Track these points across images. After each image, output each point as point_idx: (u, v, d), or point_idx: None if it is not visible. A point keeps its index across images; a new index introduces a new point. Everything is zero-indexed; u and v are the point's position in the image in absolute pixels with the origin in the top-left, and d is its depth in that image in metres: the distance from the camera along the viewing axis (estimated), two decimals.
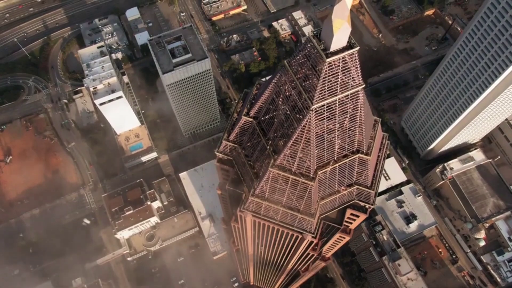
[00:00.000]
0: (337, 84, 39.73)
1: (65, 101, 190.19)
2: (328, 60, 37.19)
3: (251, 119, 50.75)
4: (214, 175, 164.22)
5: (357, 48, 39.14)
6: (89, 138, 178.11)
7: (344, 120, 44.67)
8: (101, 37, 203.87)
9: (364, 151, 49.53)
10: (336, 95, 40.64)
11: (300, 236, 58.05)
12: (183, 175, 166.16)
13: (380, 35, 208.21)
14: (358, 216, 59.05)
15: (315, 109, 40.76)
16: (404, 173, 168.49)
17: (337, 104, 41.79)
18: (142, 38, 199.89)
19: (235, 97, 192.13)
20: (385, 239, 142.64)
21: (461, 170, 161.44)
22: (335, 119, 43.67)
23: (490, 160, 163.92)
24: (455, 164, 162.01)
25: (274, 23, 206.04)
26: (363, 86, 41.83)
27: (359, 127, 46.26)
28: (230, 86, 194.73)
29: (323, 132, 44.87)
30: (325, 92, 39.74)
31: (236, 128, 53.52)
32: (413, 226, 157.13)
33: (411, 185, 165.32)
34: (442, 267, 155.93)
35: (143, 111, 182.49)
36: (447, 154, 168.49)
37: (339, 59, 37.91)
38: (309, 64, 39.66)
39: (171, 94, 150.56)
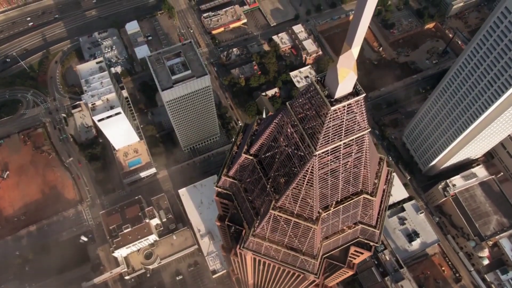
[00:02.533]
0: (342, 129, 38.12)
1: (64, 115, 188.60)
2: (333, 108, 35.64)
3: (251, 157, 49.10)
4: (213, 191, 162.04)
5: (363, 95, 37.53)
6: (87, 153, 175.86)
7: (349, 162, 42.98)
8: (100, 51, 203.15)
9: (369, 192, 47.79)
10: (341, 140, 39.02)
11: (302, 275, 56.03)
12: (182, 191, 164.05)
13: (381, 48, 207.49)
14: (362, 253, 57.10)
15: (319, 154, 39.13)
16: (406, 189, 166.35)
17: (341, 148, 40.15)
18: (141, 51, 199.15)
19: (235, 113, 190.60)
20: (388, 259, 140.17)
21: (464, 187, 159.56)
22: (339, 162, 41.99)
23: (492, 176, 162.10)
24: (457, 181, 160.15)
25: (274, 37, 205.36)
26: (369, 130, 40.19)
27: (364, 168, 44.55)
28: (230, 100, 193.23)
29: (326, 175, 43.14)
30: (329, 137, 38.11)
31: (236, 164, 51.79)
32: (416, 244, 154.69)
33: (413, 201, 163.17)
34: (445, 286, 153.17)
35: (142, 126, 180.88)
36: (449, 170, 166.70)
37: (345, 106, 36.40)
38: (312, 108, 38.07)
39: (171, 110, 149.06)
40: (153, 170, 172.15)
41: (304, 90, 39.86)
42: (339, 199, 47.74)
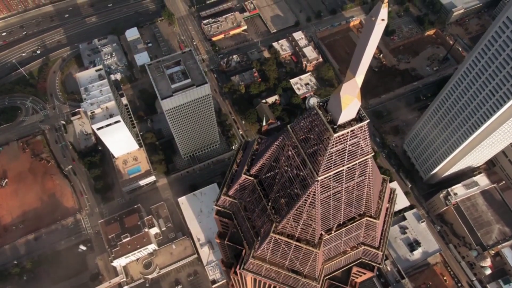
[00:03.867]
0: (345, 155, 37.21)
1: (63, 122, 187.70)
2: (336, 135, 34.73)
3: (251, 178, 48.11)
4: (213, 200, 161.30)
5: (367, 121, 36.62)
6: (86, 161, 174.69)
7: (352, 186, 42.01)
8: (100, 58, 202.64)
9: (372, 214, 46.77)
10: (344, 166, 38.10)
11: None
12: (182, 199, 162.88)
13: (381, 55, 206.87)
14: (364, 273, 56.00)
15: (321, 180, 38.18)
16: (407, 197, 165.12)
17: (344, 172, 39.21)
18: (141, 58, 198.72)
19: (235, 119, 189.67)
20: (389, 269, 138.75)
21: (465, 196, 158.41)
22: (342, 186, 41.01)
23: (494, 185, 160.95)
24: (459, 189, 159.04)
25: (275, 44, 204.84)
26: (373, 154, 39.23)
27: (367, 190, 43.56)
28: (230, 107, 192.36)
29: (328, 198, 42.15)
30: (331, 163, 37.21)
31: (236, 184, 50.78)
32: (417, 253, 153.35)
33: (414, 210, 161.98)
34: None
35: (141, 133, 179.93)
36: (450, 178, 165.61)
37: (348, 132, 35.51)
38: (314, 133, 37.18)
39: (170, 119, 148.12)
40: (152, 178, 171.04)
41: (306, 114, 38.96)
42: (341, 222, 46.75)
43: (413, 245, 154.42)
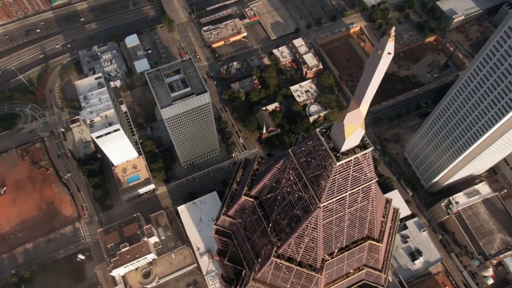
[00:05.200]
0: (348, 181, 36.28)
1: (62, 130, 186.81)
2: (339, 163, 33.84)
3: (251, 199, 47.14)
4: (213, 208, 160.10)
5: (371, 149, 35.71)
6: (85, 169, 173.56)
7: (355, 210, 41.06)
8: (100, 64, 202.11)
9: (375, 237, 45.79)
10: (346, 192, 37.18)
11: None
12: (181, 208, 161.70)
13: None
14: None
15: (323, 206, 37.22)
16: (408, 206, 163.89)
17: (347, 198, 38.28)
18: (141, 65, 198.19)
19: (235, 126, 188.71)
20: (390, 280, 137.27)
21: (467, 204, 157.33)
22: (345, 211, 40.04)
23: (496, 193, 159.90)
24: (460, 198, 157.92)
25: (275, 50, 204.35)
26: (376, 179, 38.31)
27: (370, 214, 42.60)
28: (230, 114, 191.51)
29: (331, 223, 41.16)
30: (334, 190, 36.28)
31: (236, 204, 49.76)
32: (419, 262, 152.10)
33: (415, 219, 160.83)
34: None
35: (141, 141, 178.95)
36: (451, 186, 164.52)
37: (351, 160, 34.59)
38: (316, 158, 36.27)
39: (170, 127, 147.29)
40: (152, 186, 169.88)
41: (307, 139, 38.04)
42: (344, 246, 45.72)
43: (414, 254, 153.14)
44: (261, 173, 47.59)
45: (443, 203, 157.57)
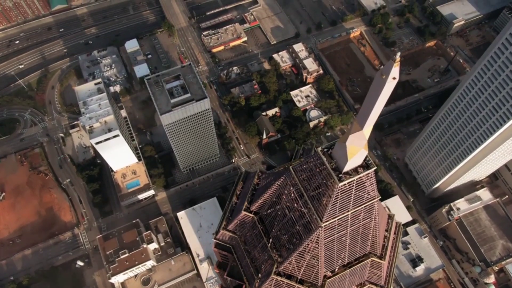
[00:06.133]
0: (350, 201, 35.58)
1: (62, 135, 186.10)
2: (341, 184, 33.18)
3: (251, 215, 46.42)
4: (212, 214, 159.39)
5: (374, 169, 35.05)
6: (85, 175, 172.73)
7: (357, 228, 40.34)
8: (99, 69, 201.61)
9: (378, 253, 45.04)
10: (349, 211, 36.50)
11: None
12: (181, 214, 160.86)
13: (382, 66, 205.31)
14: None
15: (325, 226, 36.52)
16: (409, 212, 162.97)
17: (349, 217, 37.59)
18: (141, 70, 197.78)
19: (235, 132, 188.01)
20: (392, 287, 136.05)
21: (468, 211, 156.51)
22: (347, 230, 39.35)
23: (497, 199, 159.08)
24: (461, 204, 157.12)
25: (275, 55, 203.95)
26: (379, 198, 37.63)
27: (373, 231, 41.87)
28: (230, 119, 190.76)
29: (333, 242, 40.43)
30: (336, 209, 35.59)
31: (235, 219, 49.04)
32: (420, 269, 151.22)
33: (416, 225, 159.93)
34: None
35: (140, 146, 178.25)
36: (453, 192, 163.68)
37: (354, 180, 33.93)
38: (318, 177, 35.60)
39: (170, 133, 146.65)
40: (151, 192, 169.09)
41: (308, 158, 37.37)
42: (346, 263, 44.98)
43: (415, 261, 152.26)
44: (261, 188, 46.91)
45: (444, 209, 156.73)
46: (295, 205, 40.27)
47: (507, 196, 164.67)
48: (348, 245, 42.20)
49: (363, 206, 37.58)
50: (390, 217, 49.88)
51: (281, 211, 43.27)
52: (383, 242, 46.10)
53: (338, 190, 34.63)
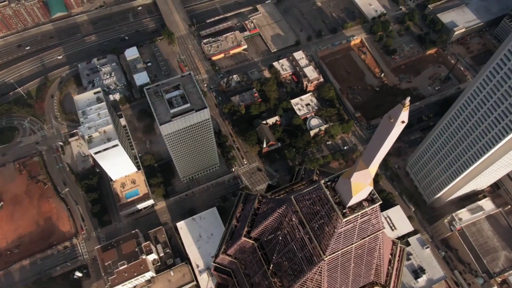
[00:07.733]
0: (354, 234, 34.43)
1: (61, 143, 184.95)
2: (345, 219, 32.04)
3: (251, 241, 45.23)
4: (212, 224, 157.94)
5: (380, 203, 33.88)
6: (83, 184, 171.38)
7: (361, 258, 39.13)
8: (99, 77, 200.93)
9: (382, 282, 43.81)
10: (352, 244, 35.33)
11: None
12: (181, 224, 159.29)
13: (382, 74, 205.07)
14: None
15: (328, 259, 35.33)
16: (410, 222, 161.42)
17: (353, 250, 36.41)
18: (140, 78, 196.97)
19: (235, 140, 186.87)
20: None
21: (470, 221, 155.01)
22: (351, 260, 38.13)
23: (500, 209, 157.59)
24: (463, 214, 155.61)
25: (275, 63, 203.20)
26: (384, 229, 36.42)
27: (377, 261, 40.67)
28: (230, 128, 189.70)
29: (336, 273, 39.21)
30: (340, 243, 34.41)
31: (235, 244, 47.79)
32: (422, 281, 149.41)
33: (418, 235, 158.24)
34: None
35: (140, 155, 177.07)
36: (454, 201, 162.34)
37: (358, 215, 32.80)
38: (321, 210, 34.46)
39: (169, 143, 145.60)
40: (150, 202, 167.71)
41: (311, 190, 36.21)
42: None
43: (417, 272, 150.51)
44: (262, 214, 45.76)
45: (446, 220, 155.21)
46: (297, 235, 39.11)
47: (509, 206, 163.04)
48: (352, 274, 41.00)
49: (367, 238, 36.46)
50: (395, 243, 48.76)
51: (282, 238, 42.12)
52: (387, 268, 44.86)
53: (342, 225, 33.49)
